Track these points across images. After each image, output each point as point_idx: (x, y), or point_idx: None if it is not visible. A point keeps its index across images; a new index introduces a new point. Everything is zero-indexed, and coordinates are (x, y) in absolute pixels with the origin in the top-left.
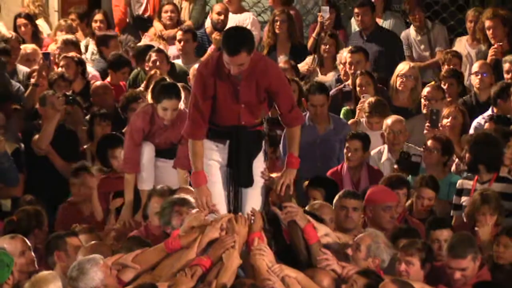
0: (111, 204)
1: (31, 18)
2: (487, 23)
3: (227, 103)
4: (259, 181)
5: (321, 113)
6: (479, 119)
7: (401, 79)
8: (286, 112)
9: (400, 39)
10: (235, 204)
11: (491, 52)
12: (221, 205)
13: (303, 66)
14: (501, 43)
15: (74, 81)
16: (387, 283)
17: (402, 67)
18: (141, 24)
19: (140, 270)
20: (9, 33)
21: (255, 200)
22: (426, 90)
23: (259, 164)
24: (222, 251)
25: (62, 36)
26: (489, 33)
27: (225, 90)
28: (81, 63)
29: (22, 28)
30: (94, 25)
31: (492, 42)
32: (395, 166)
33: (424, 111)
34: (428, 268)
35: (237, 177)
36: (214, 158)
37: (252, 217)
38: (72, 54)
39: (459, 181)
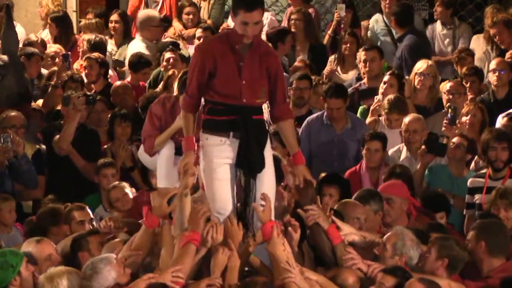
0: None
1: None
2: (492, 31)
3: (228, 80)
4: (269, 167)
5: (337, 115)
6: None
7: (419, 78)
8: (280, 102)
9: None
10: (245, 198)
11: (507, 56)
12: (228, 203)
13: (327, 69)
14: None
15: (96, 82)
16: (413, 282)
17: (420, 65)
18: None
19: (144, 254)
20: (34, 36)
21: (269, 187)
22: (448, 85)
23: (268, 154)
24: (201, 219)
25: (87, 36)
26: (496, 40)
27: (227, 66)
28: (104, 64)
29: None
30: (110, 25)
31: (502, 47)
32: (423, 147)
33: (447, 105)
34: None
35: (248, 164)
36: (219, 154)
37: (262, 206)
38: (95, 54)
39: (470, 180)
